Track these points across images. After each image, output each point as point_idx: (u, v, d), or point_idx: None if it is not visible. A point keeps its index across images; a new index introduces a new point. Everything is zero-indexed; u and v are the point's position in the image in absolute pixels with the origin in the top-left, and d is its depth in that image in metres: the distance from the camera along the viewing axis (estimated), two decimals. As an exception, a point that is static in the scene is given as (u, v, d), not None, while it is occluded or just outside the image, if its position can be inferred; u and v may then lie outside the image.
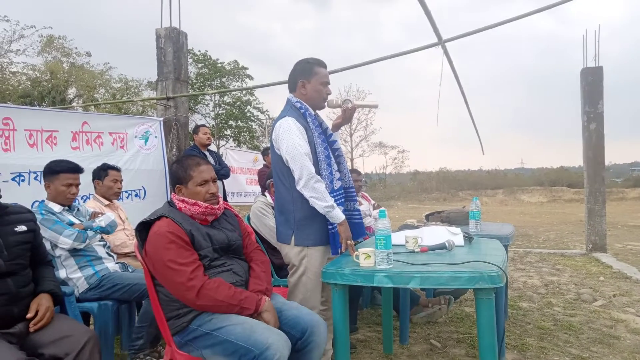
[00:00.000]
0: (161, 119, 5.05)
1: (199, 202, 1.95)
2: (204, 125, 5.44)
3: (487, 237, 2.67)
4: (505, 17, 4.48)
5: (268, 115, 22.81)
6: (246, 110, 22.64)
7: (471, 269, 1.76)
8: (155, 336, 2.58)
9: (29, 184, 3.61)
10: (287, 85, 2.39)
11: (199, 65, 21.85)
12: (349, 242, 2.18)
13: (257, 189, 7.63)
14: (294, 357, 1.81)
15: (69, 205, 2.70)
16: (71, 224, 2.60)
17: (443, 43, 4.61)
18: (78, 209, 2.79)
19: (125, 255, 3.04)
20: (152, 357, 2.59)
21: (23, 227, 1.95)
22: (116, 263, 2.76)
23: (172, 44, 5.07)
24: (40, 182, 3.52)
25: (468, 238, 2.40)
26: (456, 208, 3.80)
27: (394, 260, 1.91)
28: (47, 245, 2.44)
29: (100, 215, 2.83)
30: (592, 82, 6.46)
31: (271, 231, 2.86)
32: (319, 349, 1.88)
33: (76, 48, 19.41)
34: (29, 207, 2.16)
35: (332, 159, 2.29)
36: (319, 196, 2.12)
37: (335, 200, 2.18)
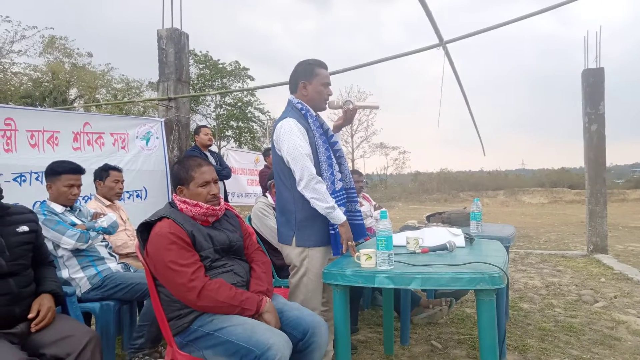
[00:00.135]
0: (162, 119, 5.06)
1: (200, 203, 1.95)
2: (205, 126, 5.45)
3: (488, 238, 2.67)
4: (506, 18, 4.49)
5: (269, 116, 22.85)
6: (247, 111, 22.66)
7: (472, 270, 1.76)
8: (155, 336, 2.58)
9: (30, 184, 3.61)
10: (288, 86, 2.40)
11: (200, 66, 21.88)
12: (350, 243, 2.18)
13: (258, 189, 7.64)
14: (295, 358, 1.81)
15: (70, 206, 2.71)
16: (73, 225, 2.60)
17: (444, 44, 4.61)
18: (80, 210, 2.80)
19: (127, 255, 3.05)
20: (151, 357, 2.59)
21: (25, 228, 1.95)
22: (118, 263, 2.77)
23: (173, 45, 5.08)
24: (41, 182, 3.53)
25: (469, 239, 2.40)
26: (457, 209, 3.80)
27: (395, 261, 1.91)
28: (50, 246, 2.45)
29: (102, 216, 2.84)
30: (594, 83, 6.46)
31: (272, 232, 2.86)
32: (320, 350, 1.88)
33: (78, 49, 19.49)
34: (30, 208, 2.16)
35: (334, 159, 2.29)
36: (320, 197, 2.13)
37: (336, 201, 2.19)
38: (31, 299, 1.89)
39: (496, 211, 17.02)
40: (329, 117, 14.94)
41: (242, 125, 22.64)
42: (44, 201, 2.67)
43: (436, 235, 2.36)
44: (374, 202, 4.47)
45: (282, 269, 2.92)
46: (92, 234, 2.62)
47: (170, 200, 2.05)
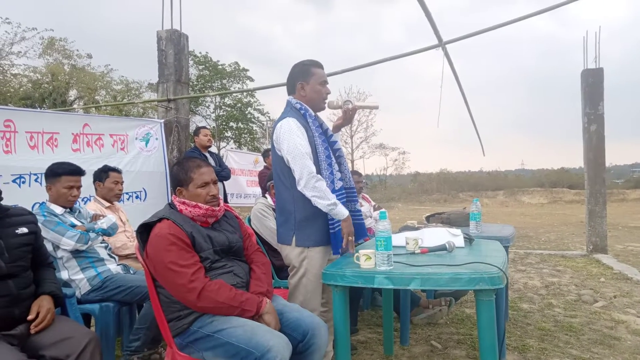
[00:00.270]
0: (162, 120, 5.06)
1: (199, 204, 1.95)
2: (204, 127, 5.45)
3: (488, 239, 2.67)
4: (505, 19, 4.49)
5: (269, 116, 22.85)
6: (247, 112, 22.67)
7: (471, 270, 1.76)
8: (152, 338, 2.57)
9: (29, 185, 3.61)
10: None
11: (200, 67, 21.88)
12: (350, 238, 2.19)
13: (258, 190, 7.64)
14: (295, 360, 1.81)
15: (70, 208, 2.71)
16: (73, 226, 2.60)
17: (444, 45, 4.62)
18: (79, 211, 2.79)
19: (126, 257, 3.04)
20: (150, 359, 2.59)
21: (24, 229, 1.95)
22: (118, 265, 2.76)
23: (173, 46, 5.08)
24: (40, 184, 3.53)
25: (468, 239, 2.40)
26: (457, 209, 3.80)
27: (394, 262, 1.91)
28: (49, 247, 2.45)
29: (101, 217, 2.84)
30: (593, 83, 6.46)
31: (272, 233, 2.86)
32: (320, 352, 1.88)
33: (77, 50, 19.52)
34: (30, 209, 2.16)
35: (333, 159, 2.29)
36: (321, 195, 2.12)
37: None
38: (30, 300, 1.88)
39: (496, 211, 17.02)
40: (329, 117, 14.96)
41: (242, 126, 22.64)
42: (44, 202, 2.67)
43: (435, 235, 2.36)
44: (373, 203, 4.48)
45: (281, 270, 2.92)
46: (92, 235, 2.62)
47: (169, 201, 2.05)
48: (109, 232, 2.76)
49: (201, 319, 1.82)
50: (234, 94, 22.03)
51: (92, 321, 2.71)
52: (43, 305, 1.87)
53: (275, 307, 1.93)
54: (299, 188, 2.15)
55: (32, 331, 1.80)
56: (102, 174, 3.19)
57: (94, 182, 3.22)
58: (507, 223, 4.22)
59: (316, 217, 2.19)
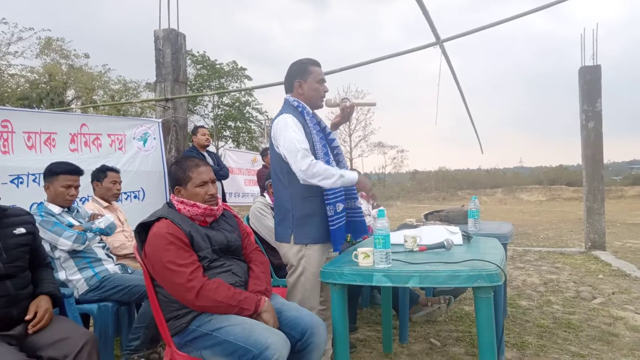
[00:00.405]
0: (160, 120, 5.05)
1: (198, 204, 1.95)
2: (202, 127, 5.44)
3: (486, 236, 2.68)
4: (503, 17, 4.48)
5: (267, 116, 22.82)
6: (245, 111, 22.63)
7: (470, 268, 1.76)
8: (151, 337, 2.58)
9: (27, 186, 3.61)
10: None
11: (198, 67, 21.83)
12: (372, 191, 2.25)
13: (256, 189, 7.64)
14: (294, 358, 1.81)
15: (68, 207, 2.70)
16: (70, 226, 2.60)
17: (441, 43, 4.61)
18: (77, 211, 2.79)
19: (124, 256, 3.04)
20: (149, 358, 2.59)
21: (22, 230, 1.95)
22: (116, 264, 2.76)
23: (170, 46, 5.07)
24: (38, 184, 3.52)
25: (467, 237, 2.40)
26: (455, 207, 3.80)
27: (392, 260, 1.91)
28: (47, 247, 2.45)
29: (99, 217, 2.83)
30: (590, 80, 6.47)
31: (270, 232, 2.86)
32: (318, 350, 1.88)
33: (74, 50, 19.44)
34: (27, 210, 2.16)
35: (331, 157, 2.29)
36: (325, 175, 2.09)
37: (335, 198, 2.18)
38: (28, 300, 1.88)
39: (494, 209, 17.05)
40: (327, 116, 14.97)
41: (240, 125, 22.61)
42: (41, 202, 2.67)
43: (434, 233, 2.36)
44: (372, 201, 4.48)
45: (280, 269, 2.92)
46: (90, 235, 2.62)
47: (168, 200, 2.05)
48: (106, 232, 2.75)
49: (199, 318, 1.82)
50: (232, 93, 22.00)
51: (91, 321, 2.71)
52: (41, 305, 1.87)
53: (274, 305, 1.93)
54: (301, 180, 2.11)
55: (30, 331, 1.79)
56: (100, 173, 3.19)
57: (92, 182, 3.21)
58: (505, 220, 4.23)
59: (314, 215, 2.19)
